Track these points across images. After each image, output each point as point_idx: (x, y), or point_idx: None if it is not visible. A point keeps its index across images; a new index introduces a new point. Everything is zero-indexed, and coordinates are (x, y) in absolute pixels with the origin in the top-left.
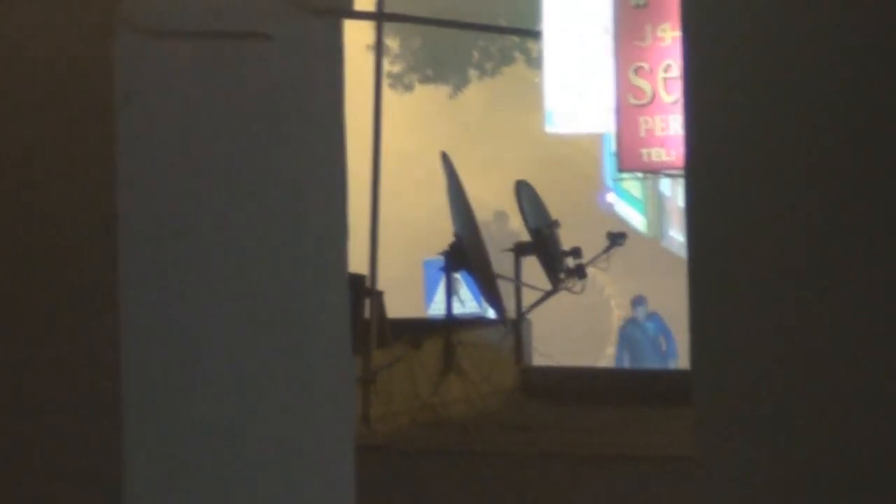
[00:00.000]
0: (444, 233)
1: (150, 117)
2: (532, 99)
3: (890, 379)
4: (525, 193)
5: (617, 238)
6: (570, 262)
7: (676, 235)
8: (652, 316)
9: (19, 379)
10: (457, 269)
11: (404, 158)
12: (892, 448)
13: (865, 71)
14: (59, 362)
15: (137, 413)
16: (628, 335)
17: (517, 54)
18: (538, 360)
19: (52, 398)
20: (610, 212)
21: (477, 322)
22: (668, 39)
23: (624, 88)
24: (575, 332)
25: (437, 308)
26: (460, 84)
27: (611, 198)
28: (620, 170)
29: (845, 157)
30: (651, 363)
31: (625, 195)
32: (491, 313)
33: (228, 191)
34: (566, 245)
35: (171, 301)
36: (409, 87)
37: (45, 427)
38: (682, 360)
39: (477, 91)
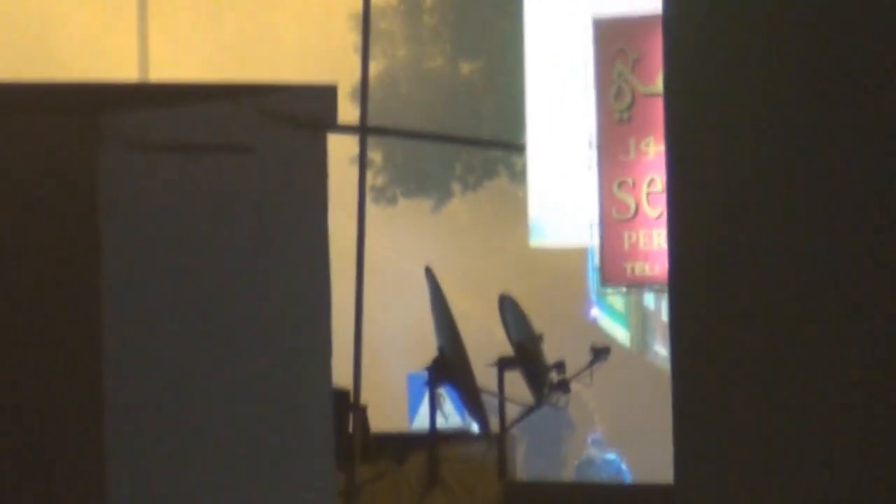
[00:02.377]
0: (428, 347)
1: (134, 230)
2: (516, 212)
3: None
4: (509, 307)
5: (601, 353)
6: (554, 376)
7: (660, 349)
8: (610, 461)
9: None
10: (440, 384)
11: (388, 272)
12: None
13: (860, 171)
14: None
15: None
16: (583, 476)
17: (500, 168)
18: (522, 474)
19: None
20: (594, 326)
21: (461, 436)
22: (652, 154)
23: (608, 202)
24: (558, 446)
25: (420, 422)
26: (444, 197)
27: (595, 312)
28: (603, 283)
29: (829, 246)
30: None
31: (608, 309)
32: (475, 428)
33: (211, 304)
34: (550, 359)
35: (154, 411)
36: (392, 201)
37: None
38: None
39: (460, 204)
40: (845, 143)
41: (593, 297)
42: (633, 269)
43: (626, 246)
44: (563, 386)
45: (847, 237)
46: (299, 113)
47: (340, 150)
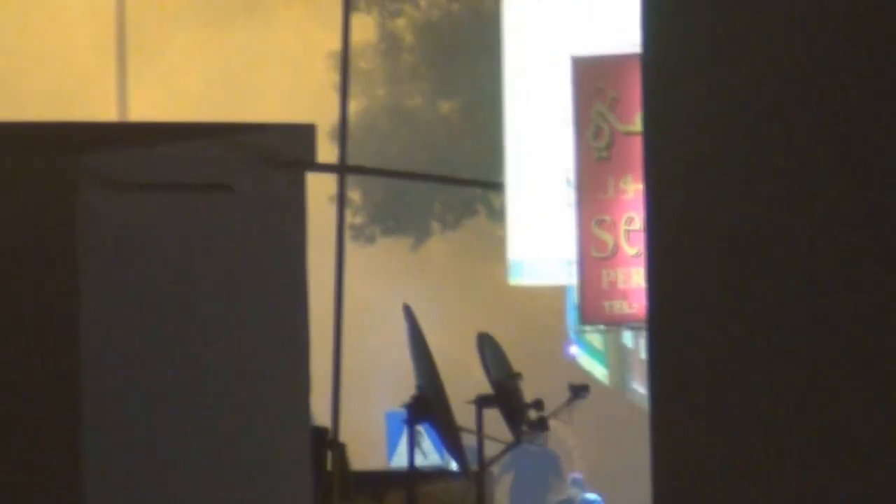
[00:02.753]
0: (406, 385)
1: (112, 268)
2: (495, 251)
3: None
4: (487, 346)
5: (579, 391)
6: (533, 414)
7: (639, 387)
8: (591, 502)
9: None
10: (419, 421)
11: (366, 310)
12: None
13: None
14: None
15: None
16: None
17: (479, 206)
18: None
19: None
20: (572, 363)
21: (440, 474)
22: (631, 192)
23: (586, 241)
24: (539, 484)
25: (399, 460)
26: (423, 236)
27: (573, 350)
28: (582, 322)
29: (811, 284)
30: None
31: (587, 347)
32: (454, 465)
33: (190, 342)
34: (529, 397)
35: (132, 447)
36: (370, 239)
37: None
38: None
39: (439, 243)
40: (829, 183)
41: (572, 335)
42: (611, 308)
43: (605, 284)
44: (542, 423)
45: (833, 272)
46: (278, 152)
47: (319, 188)
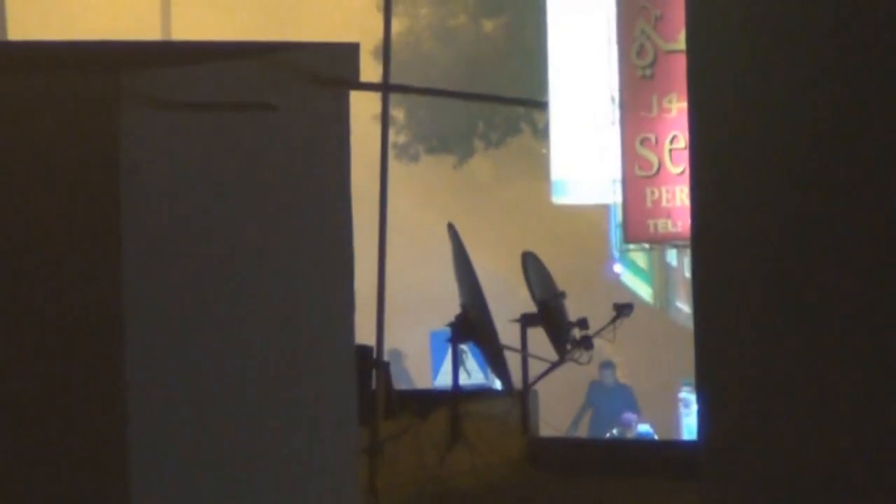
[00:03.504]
0: (450, 304)
1: (155, 189)
2: (538, 169)
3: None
4: (531, 265)
5: (623, 309)
6: (577, 333)
7: (683, 306)
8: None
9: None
10: (463, 341)
11: (411, 229)
12: None
13: (869, 137)
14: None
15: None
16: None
17: (523, 125)
18: (545, 431)
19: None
20: (617, 282)
21: (483, 393)
22: (675, 111)
23: (630, 159)
24: (578, 403)
25: (443, 379)
26: (466, 155)
27: (617, 269)
28: (626, 241)
29: (849, 209)
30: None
31: (631, 266)
32: (497, 384)
33: (234, 261)
34: (573, 316)
35: (176, 373)
36: (414, 158)
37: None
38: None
39: (483, 161)
40: (874, 109)
41: (616, 254)
42: (655, 226)
43: (649, 203)
44: (586, 342)
45: (870, 200)
46: (322, 71)
47: (363, 107)
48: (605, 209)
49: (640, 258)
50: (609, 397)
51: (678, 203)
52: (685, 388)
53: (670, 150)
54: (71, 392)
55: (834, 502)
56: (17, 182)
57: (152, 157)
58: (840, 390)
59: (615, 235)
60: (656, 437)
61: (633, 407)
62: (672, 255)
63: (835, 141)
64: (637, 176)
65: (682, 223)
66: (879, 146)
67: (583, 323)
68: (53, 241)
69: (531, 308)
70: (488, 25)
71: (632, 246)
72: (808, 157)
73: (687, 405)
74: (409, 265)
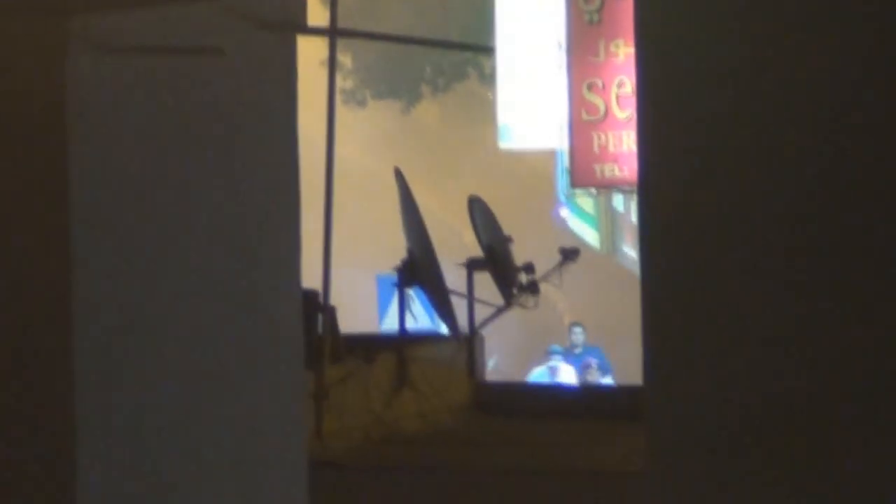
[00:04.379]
0: (397, 248)
1: (102, 133)
2: (485, 115)
3: (855, 386)
4: (478, 209)
5: (570, 254)
6: (523, 277)
7: (629, 251)
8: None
9: None
10: (410, 285)
11: (357, 174)
12: (854, 455)
13: (825, 76)
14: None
15: (91, 432)
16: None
17: (470, 70)
18: (490, 376)
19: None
20: (563, 227)
21: (430, 338)
22: (622, 56)
23: (577, 104)
24: (526, 347)
25: (389, 323)
26: (413, 100)
27: (564, 213)
28: (573, 186)
29: (801, 168)
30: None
31: (578, 211)
32: (444, 329)
33: (181, 206)
34: (519, 261)
35: (125, 310)
36: (362, 103)
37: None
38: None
39: (430, 107)
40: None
41: (562, 198)
42: (602, 171)
43: (596, 148)
44: (533, 287)
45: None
46: (268, 15)
47: (310, 52)
48: (551, 154)
49: (586, 203)
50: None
51: (625, 148)
52: (553, 357)
53: (617, 96)
54: (18, 333)
55: (774, 445)
56: None
57: (100, 101)
58: (787, 325)
59: (562, 180)
60: (600, 355)
61: (605, 366)
62: (619, 201)
63: (785, 80)
64: (583, 121)
65: (628, 168)
66: (819, 82)
67: (529, 268)
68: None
69: (478, 253)
70: None
71: (578, 191)
72: (755, 97)
73: (554, 373)
74: (356, 210)
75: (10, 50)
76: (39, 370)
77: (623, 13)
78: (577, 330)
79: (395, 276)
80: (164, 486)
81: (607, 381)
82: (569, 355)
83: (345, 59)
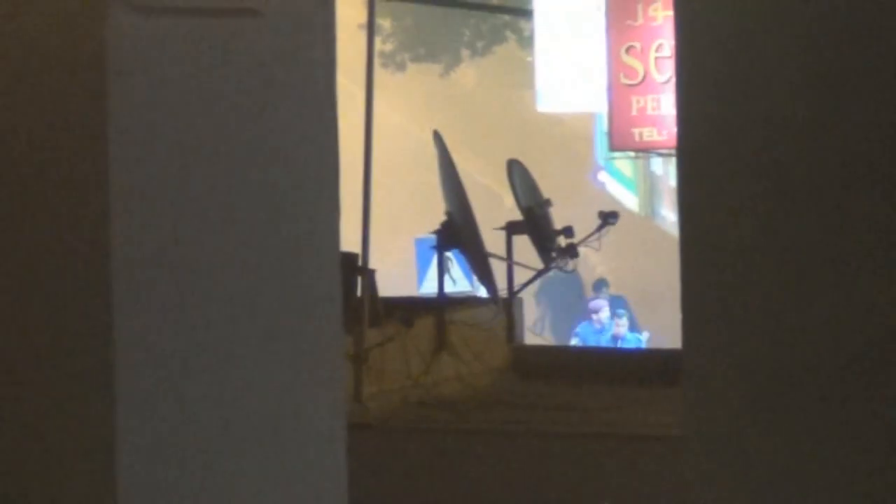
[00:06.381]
0: (436, 211)
1: (141, 94)
2: (524, 78)
3: (881, 357)
4: (517, 172)
5: (609, 217)
6: (562, 240)
7: (668, 214)
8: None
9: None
10: (448, 248)
11: (396, 137)
12: (881, 427)
13: (862, 45)
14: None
15: (128, 390)
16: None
17: (509, 33)
18: (530, 338)
19: (43, 376)
20: (602, 191)
21: (469, 301)
22: (660, 19)
23: (616, 68)
24: (566, 310)
25: (428, 287)
26: (452, 63)
27: (602, 177)
28: (612, 149)
29: (840, 136)
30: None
31: (616, 174)
32: (483, 292)
33: (219, 169)
34: (558, 224)
35: (162, 278)
36: (400, 66)
37: (38, 411)
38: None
39: (468, 70)
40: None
41: (601, 162)
42: (640, 135)
43: (635, 111)
44: (571, 250)
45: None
46: None
47: (349, 16)
48: (590, 117)
49: (625, 166)
50: (597, 331)
51: (663, 112)
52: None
53: (656, 59)
54: (58, 289)
55: (809, 410)
56: (2, 85)
57: (139, 61)
58: (828, 287)
59: (600, 144)
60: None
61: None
62: (657, 164)
63: (831, 46)
64: (622, 84)
65: (667, 132)
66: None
67: (568, 231)
68: (40, 146)
69: (516, 216)
70: None
71: (617, 154)
72: (800, 61)
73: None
74: (395, 173)
75: (51, 8)
76: (77, 321)
77: None
78: (603, 286)
79: (433, 239)
80: (201, 441)
81: (635, 336)
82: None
83: (384, 22)
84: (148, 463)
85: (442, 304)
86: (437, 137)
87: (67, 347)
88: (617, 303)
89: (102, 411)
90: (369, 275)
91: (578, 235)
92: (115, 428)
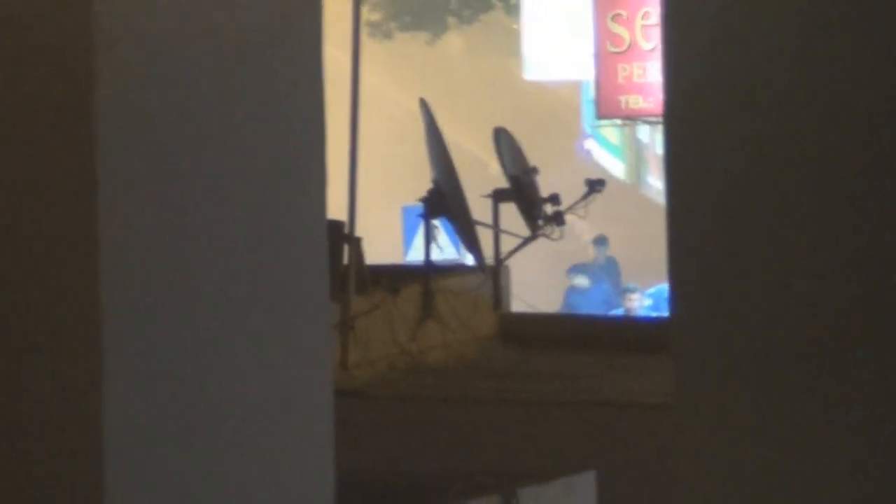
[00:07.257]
0: (422, 179)
1: (129, 68)
2: (510, 46)
3: (873, 330)
4: (503, 140)
5: (595, 185)
6: (549, 208)
7: (655, 182)
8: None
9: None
10: (435, 216)
11: (383, 105)
12: (872, 396)
13: (853, 15)
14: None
15: (115, 356)
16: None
17: (495, 1)
18: (516, 306)
19: (29, 364)
20: (588, 159)
21: (455, 269)
22: None
23: (602, 36)
24: (552, 278)
25: (415, 254)
26: (438, 31)
27: (589, 144)
28: (599, 117)
29: (828, 103)
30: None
31: (603, 142)
32: (469, 260)
33: (205, 135)
34: (544, 192)
35: (150, 245)
36: (387, 35)
37: (24, 409)
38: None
39: (455, 38)
40: None
41: (587, 130)
42: (627, 102)
43: (621, 79)
44: (558, 217)
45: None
46: None
47: None
48: (576, 85)
49: (611, 134)
50: (587, 296)
51: (650, 79)
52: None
53: (642, 27)
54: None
55: (799, 378)
56: None
57: (125, 30)
58: (815, 257)
59: (587, 111)
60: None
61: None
62: (644, 131)
63: (820, 13)
64: (609, 52)
65: (653, 99)
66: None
67: (554, 199)
68: (27, 117)
69: (503, 183)
70: None
71: (603, 122)
72: (788, 28)
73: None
74: (382, 141)
75: None
76: (65, 295)
77: None
78: (601, 245)
79: (420, 207)
80: (188, 409)
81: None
82: (590, 270)
83: None
84: (137, 412)
85: (428, 272)
86: (424, 105)
87: (55, 337)
88: (612, 268)
89: (88, 373)
90: (356, 242)
91: (565, 203)
92: (102, 389)
